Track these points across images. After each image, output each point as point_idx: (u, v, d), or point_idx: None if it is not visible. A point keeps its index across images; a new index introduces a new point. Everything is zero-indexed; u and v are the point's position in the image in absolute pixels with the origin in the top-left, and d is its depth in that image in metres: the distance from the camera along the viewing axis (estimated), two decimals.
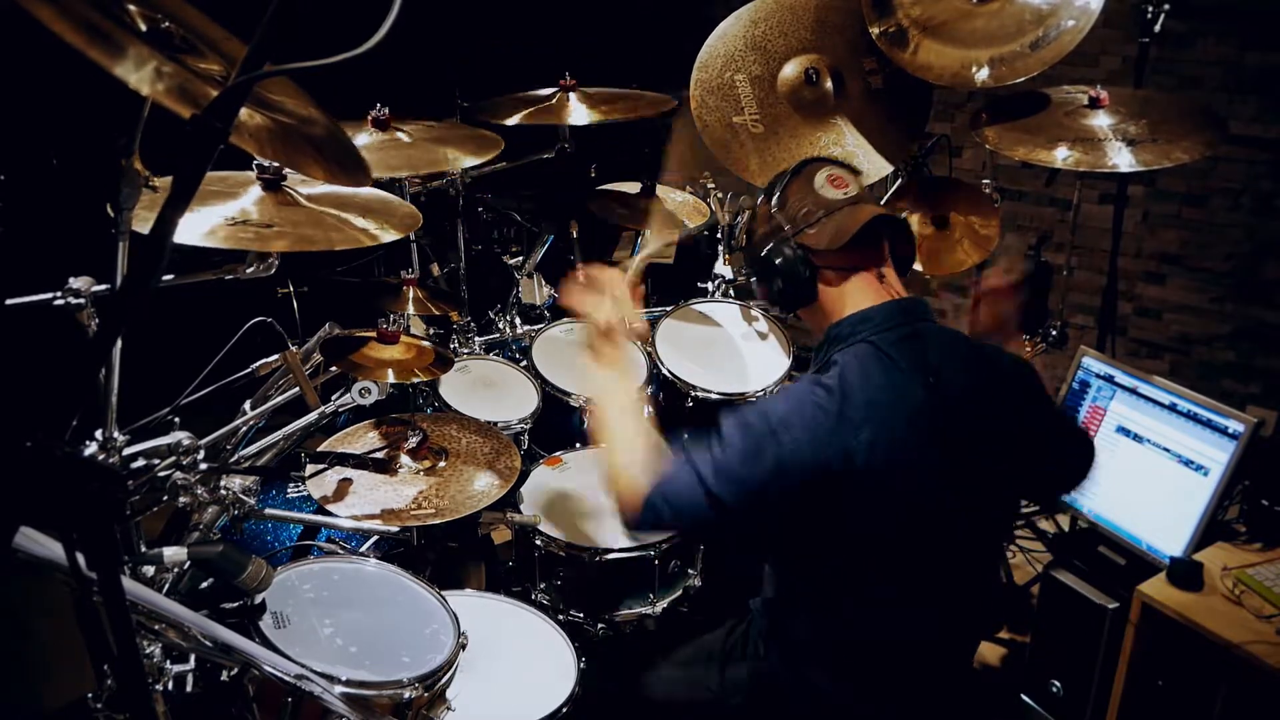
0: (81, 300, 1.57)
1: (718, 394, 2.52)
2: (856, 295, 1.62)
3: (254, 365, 2.10)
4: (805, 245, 1.62)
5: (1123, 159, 2.30)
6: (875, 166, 2.65)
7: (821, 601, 1.63)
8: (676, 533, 1.82)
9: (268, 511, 1.84)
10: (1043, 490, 1.90)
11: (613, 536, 2.18)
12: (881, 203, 1.74)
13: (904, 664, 1.63)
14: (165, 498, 1.58)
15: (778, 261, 1.63)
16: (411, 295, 2.51)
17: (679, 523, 1.57)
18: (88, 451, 1.46)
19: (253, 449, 1.98)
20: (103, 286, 1.59)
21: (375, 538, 2.24)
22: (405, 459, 2.02)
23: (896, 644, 1.61)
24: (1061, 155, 2.34)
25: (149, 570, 1.53)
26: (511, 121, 2.65)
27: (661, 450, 1.60)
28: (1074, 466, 1.76)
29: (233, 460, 1.94)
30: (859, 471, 1.46)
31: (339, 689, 1.48)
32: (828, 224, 1.61)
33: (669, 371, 2.58)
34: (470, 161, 2.44)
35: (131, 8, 1.22)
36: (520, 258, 3.06)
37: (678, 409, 2.58)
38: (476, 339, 2.86)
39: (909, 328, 1.58)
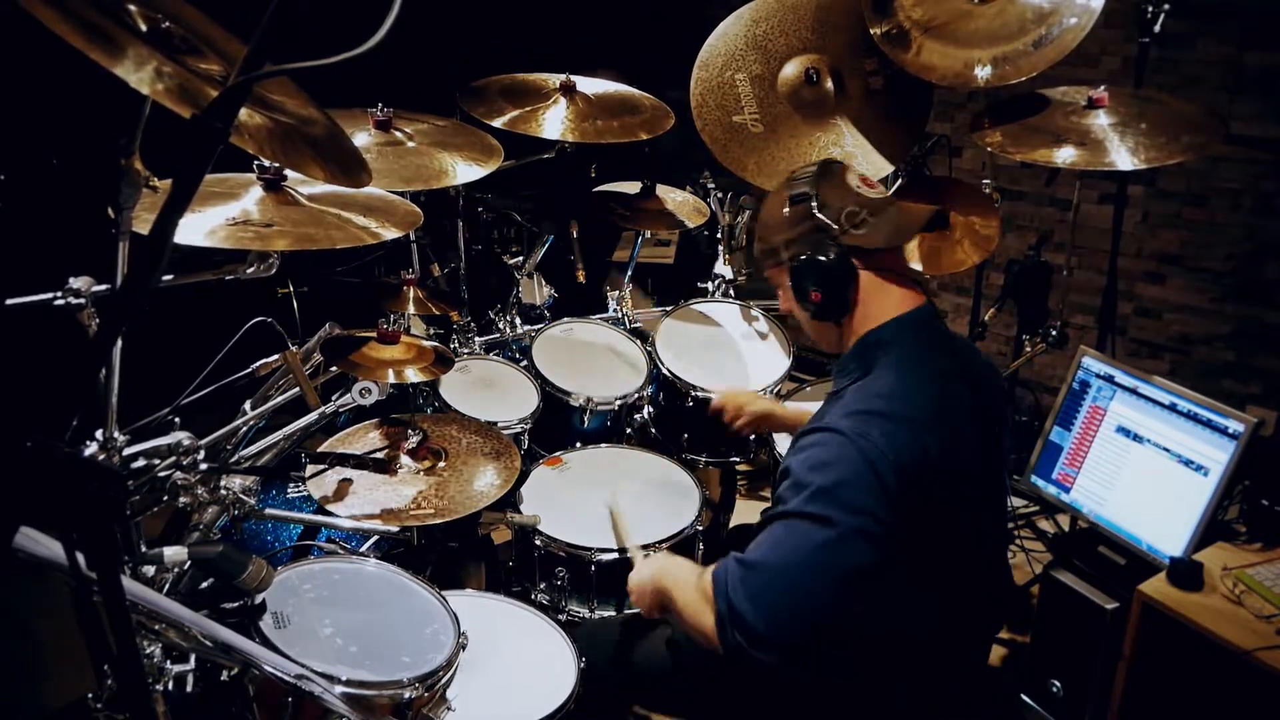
0: (81, 300, 1.57)
1: (718, 394, 2.52)
2: (895, 299, 1.59)
3: (254, 365, 2.10)
4: (852, 246, 1.56)
5: (1122, 158, 2.30)
6: (875, 167, 2.65)
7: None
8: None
9: (268, 511, 1.84)
10: None
11: (613, 536, 2.18)
12: None
13: (927, 662, 1.62)
14: (165, 498, 1.58)
15: (822, 260, 1.55)
16: (411, 295, 2.51)
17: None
18: (88, 452, 1.46)
19: (253, 449, 1.98)
20: (103, 286, 1.59)
21: (375, 538, 2.24)
22: (405, 459, 2.02)
23: (920, 641, 1.59)
24: (1062, 156, 2.34)
25: (149, 570, 1.53)
26: (500, 122, 2.62)
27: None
28: None
29: (233, 460, 1.93)
30: (933, 470, 1.44)
31: (339, 689, 1.48)
32: (880, 222, 1.56)
33: (669, 371, 2.58)
34: (472, 174, 2.38)
35: (132, 8, 1.22)
36: (520, 258, 3.06)
37: (678, 409, 2.58)
38: (476, 339, 2.86)
39: (936, 329, 1.61)
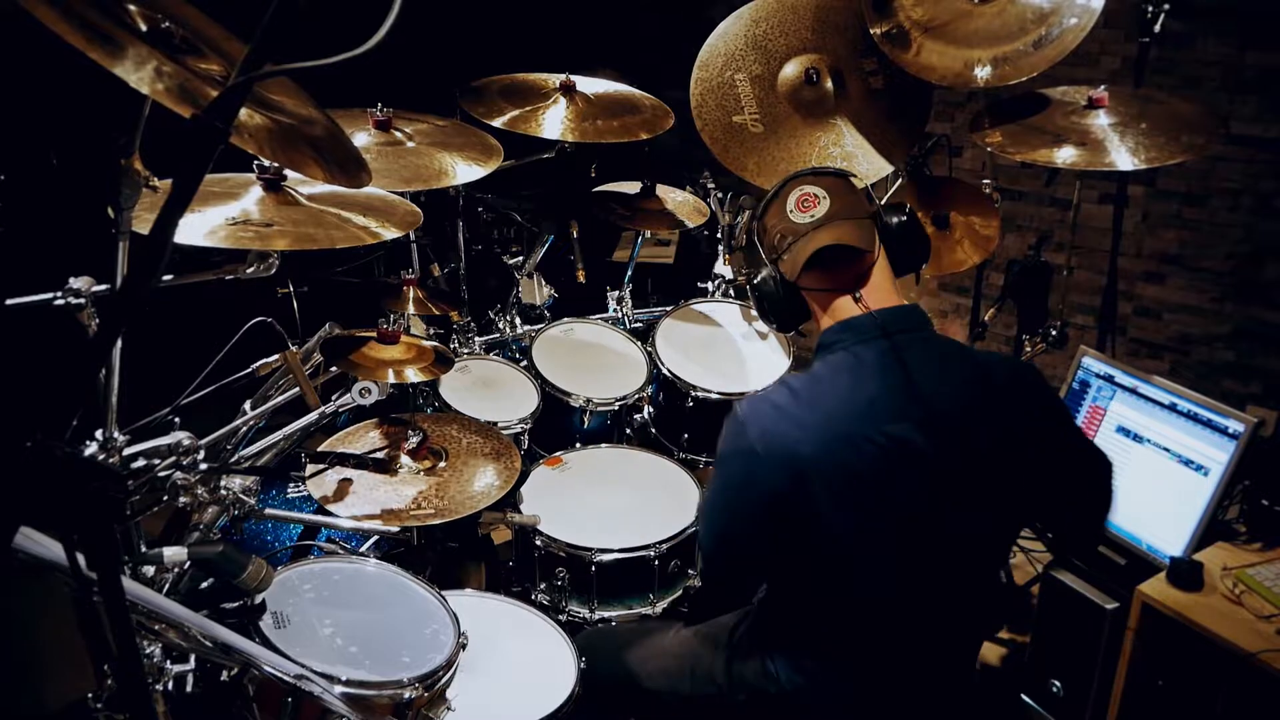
0: (81, 300, 1.57)
1: (718, 394, 2.52)
2: (837, 311, 1.64)
3: (254, 365, 2.10)
4: (780, 272, 1.66)
5: (1122, 158, 2.30)
6: (875, 166, 2.65)
7: (803, 601, 1.66)
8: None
9: (268, 511, 1.84)
10: (1059, 506, 1.83)
11: (613, 537, 2.18)
12: (882, 203, 1.72)
13: (888, 668, 1.63)
14: (165, 498, 1.58)
15: (763, 289, 1.70)
16: (411, 295, 2.51)
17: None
18: (88, 451, 1.46)
19: (253, 449, 1.98)
20: (103, 286, 1.59)
21: (375, 538, 2.24)
22: (405, 459, 2.02)
23: (877, 647, 1.61)
24: (1062, 156, 2.33)
25: (149, 570, 1.53)
26: (500, 122, 2.62)
27: None
28: (1093, 478, 1.73)
29: (233, 460, 1.93)
30: (806, 472, 1.49)
31: (339, 689, 1.48)
32: (790, 253, 1.64)
33: (669, 371, 2.58)
34: (472, 174, 2.38)
35: (131, 8, 1.22)
36: (520, 258, 3.05)
37: (678, 409, 2.58)
38: (476, 339, 2.85)
39: (888, 340, 1.57)
